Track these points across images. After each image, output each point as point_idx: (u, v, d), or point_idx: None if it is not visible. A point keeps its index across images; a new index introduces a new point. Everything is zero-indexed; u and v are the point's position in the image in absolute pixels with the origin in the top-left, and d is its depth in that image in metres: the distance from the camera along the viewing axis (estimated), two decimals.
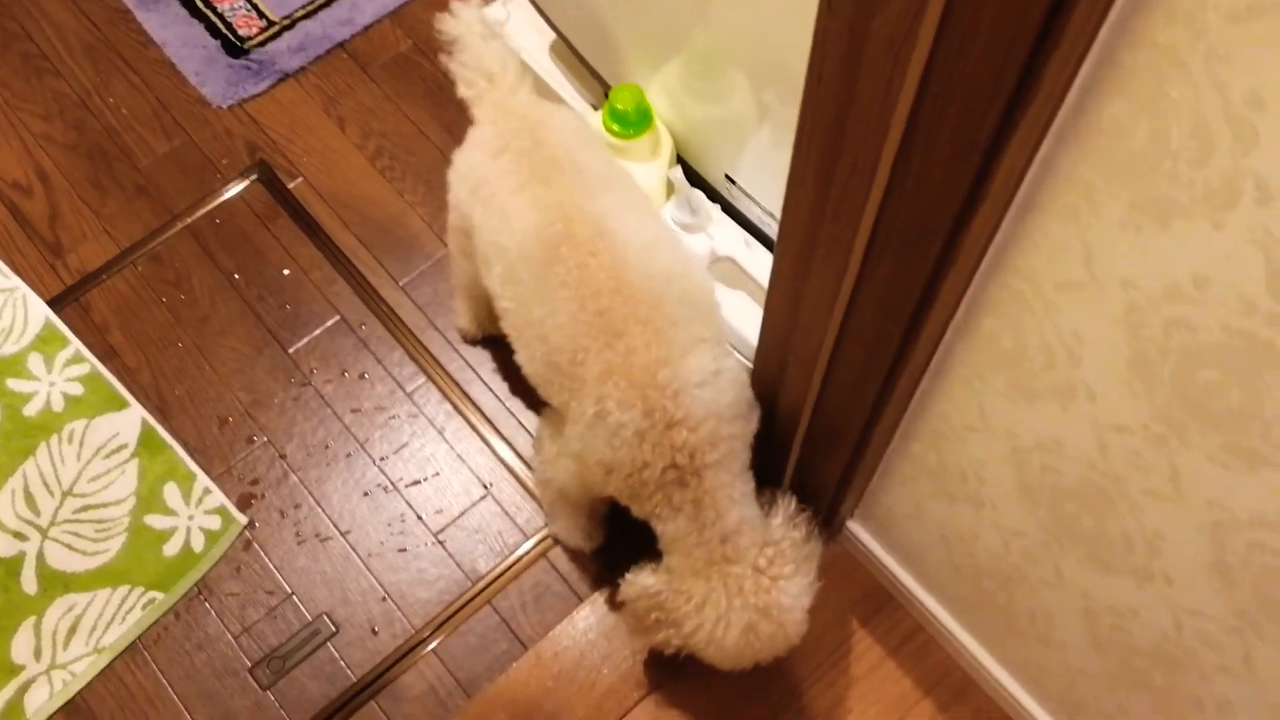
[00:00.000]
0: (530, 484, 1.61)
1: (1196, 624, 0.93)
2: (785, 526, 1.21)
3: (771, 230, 1.44)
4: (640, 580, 1.25)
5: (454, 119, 1.88)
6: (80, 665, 1.52)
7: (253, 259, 1.79)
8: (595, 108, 1.66)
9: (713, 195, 1.52)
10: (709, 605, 1.17)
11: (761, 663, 1.23)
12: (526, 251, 1.19)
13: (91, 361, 1.70)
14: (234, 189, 1.84)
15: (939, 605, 1.44)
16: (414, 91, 1.91)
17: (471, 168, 1.29)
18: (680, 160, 1.55)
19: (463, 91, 1.33)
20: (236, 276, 1.77)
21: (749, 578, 1.17)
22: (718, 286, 1.47)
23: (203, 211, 1.82)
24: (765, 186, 1.40)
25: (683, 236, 1.46)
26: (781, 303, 1.06)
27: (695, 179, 1.54)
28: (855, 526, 1.46)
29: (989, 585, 1.25)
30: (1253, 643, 0.88)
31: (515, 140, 1.25)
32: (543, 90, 1.71)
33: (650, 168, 1.50)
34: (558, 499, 1.47)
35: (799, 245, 0.94)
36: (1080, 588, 1.06)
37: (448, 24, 1.31)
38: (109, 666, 1.52)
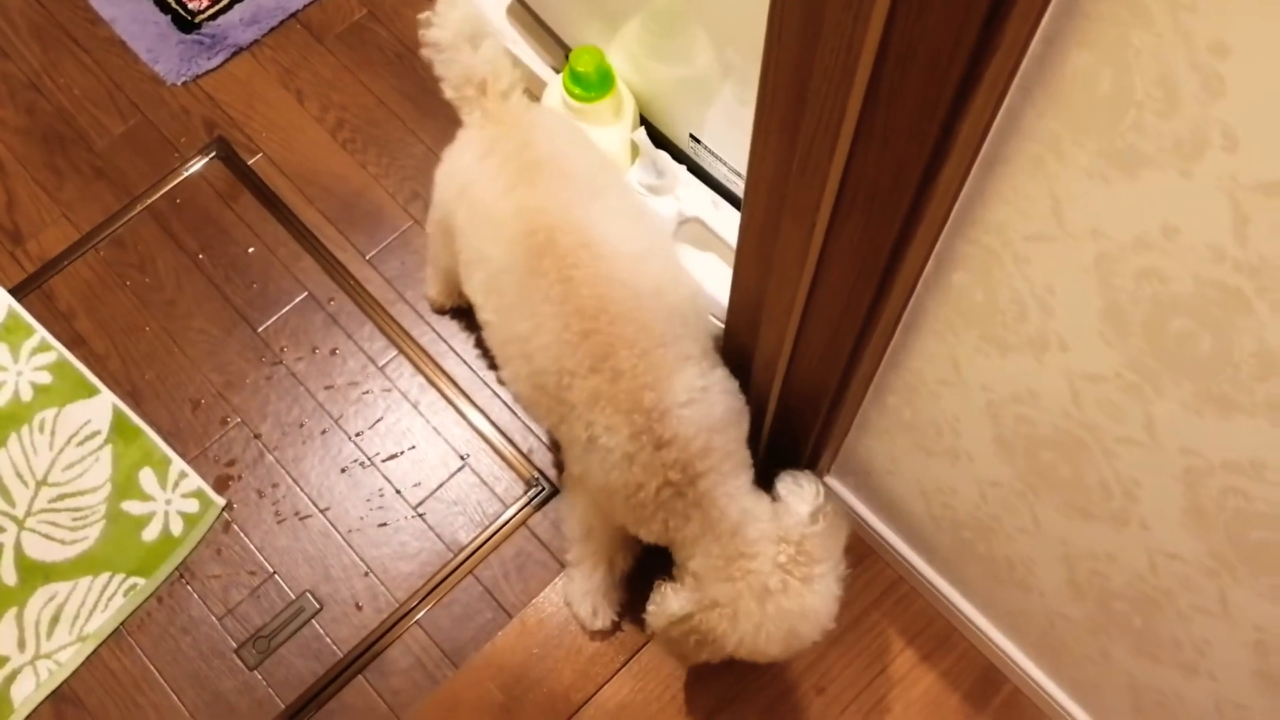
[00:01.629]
0: (506, 454, 1.61)
1: (1173, 567, 0.94)
2: (806, 522, 1.14)
3: (739, 189, 1.43)
4: (666, 607, 1.19)
5: (414, 89, 1.85)
6: (65, 654, 1.51)
7: (217, 238, 1.76)
8: (556, 71, 1.64)
9: (678, 156, 1.50)
10: (741, 615, 1.12)
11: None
12: (509, 262, 1.16)
13: (58, 349, 1.68)
14: (193, 168, 1.81)
15: (919, 557, 1.45)
16: (372, 61, 1.88)
17: (459, 169, 1.26)
18: (644, 122, 1.54)
19: (449, 95, 1.27)
20: (201, 257, 1.75)
21: (774, 576, 1.12)
22: (687, 249, 1.46)
23: (163, 192, 1.79)
24: (731, 145, 1.39)
25: (649, 199, 1.44)
26: (751, 261, 1.05)
27: (660, 140, 1.52)
28: (833, 482, 1.47)
29: (968, 535, 1.26)
30: (1228, 584, 0.89)
31: (502, 144, 1.21)
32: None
33: (613, 131, 1.48)
34: (579, 541, 1.44)
35: (766, 204, 0.93)
36: (1058, 535, 1.07)
37: (432, 30, 1.24)
38: (94, 654, 1.52)
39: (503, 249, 1.17)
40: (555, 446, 1.61)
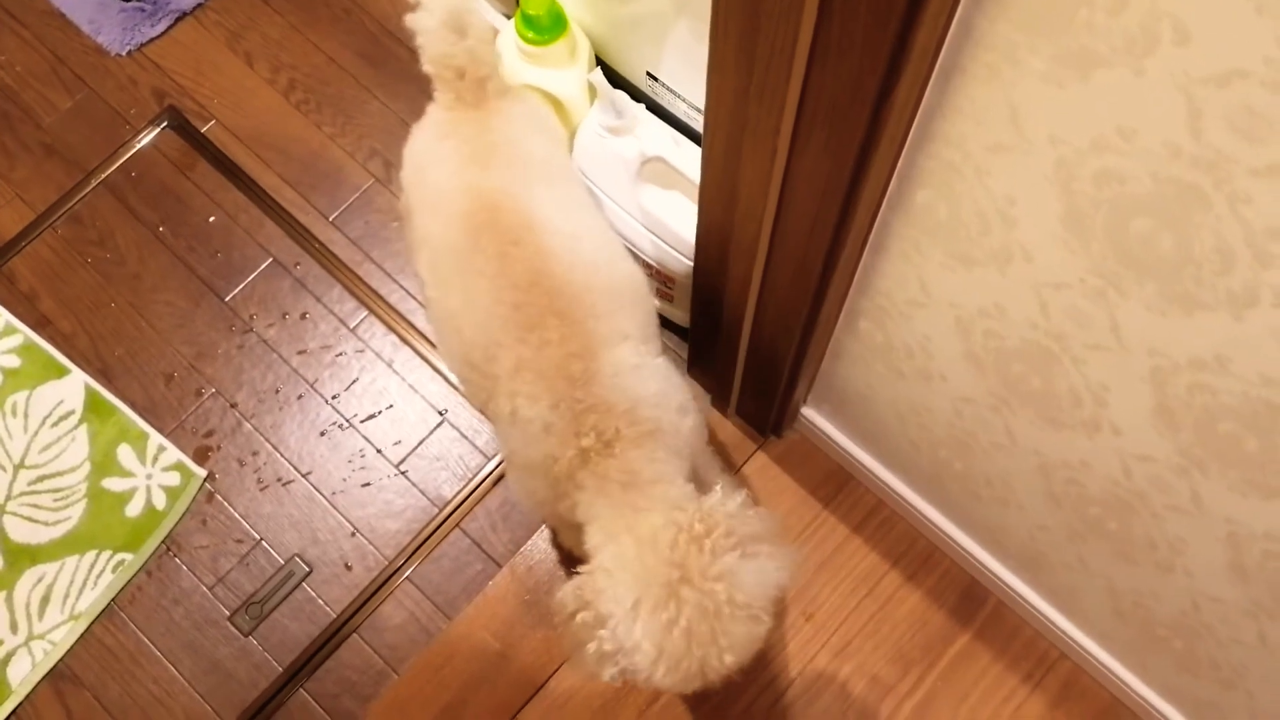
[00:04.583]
0: None
1: (1145, 469, 0.96)
2: (731, 504, 1.00)
3: (699, 125, 1.42)
4: (567, 586, 1.02)
5: (365, 45, 1.82)
6: (59, 633, 1.51)
7: (176, 209, 1.74)
8: (507, 17, 1.62)
9: (636, 96, 1.49)
10: (626, 566, 0.96)
11: (718, 681, 0.97)
12: (450, 239, 1.14)
13: (24, 331, 1.66)
14: (146, 139, 1.78)
15: (898, 479, 1.47)
16: (320, 19, 1.85)
17: (421, 145, 1.25)
18: (600, 63, 1.52)
19: (427, 69, 1.23)
20: (162, 229, 1.73)
21: (667, 530, 0.96)
22: (651, 189, 1.46)
23: (117, 165, 1.76)
24: (688, 80, 1.38)
25: (610, 140, 1.44)
26: (715, 194, 1.05)
27: (617, 81, 1.51)
28: (810, 411, 1.48)
29: (945, 454, 1.28)
30: (1198, 480, 0.91)
31: (464, 127, 1.19)
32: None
33: (569, 73, 1.47)
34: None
35: (726, 133, 0.93)
36: (1032, 446, 1.09)
37: (420, 21, 1.20)
38: (88, 631, 1.52)
39: (446, 226, 1.15)
40: None
